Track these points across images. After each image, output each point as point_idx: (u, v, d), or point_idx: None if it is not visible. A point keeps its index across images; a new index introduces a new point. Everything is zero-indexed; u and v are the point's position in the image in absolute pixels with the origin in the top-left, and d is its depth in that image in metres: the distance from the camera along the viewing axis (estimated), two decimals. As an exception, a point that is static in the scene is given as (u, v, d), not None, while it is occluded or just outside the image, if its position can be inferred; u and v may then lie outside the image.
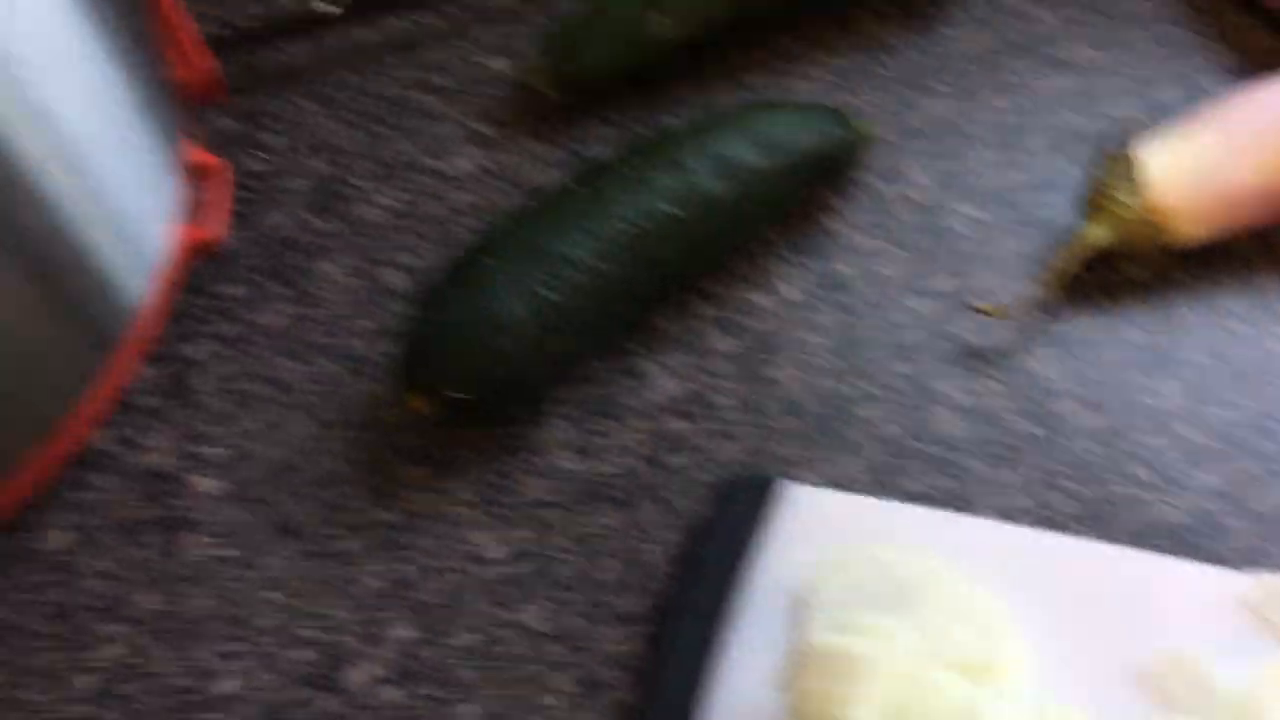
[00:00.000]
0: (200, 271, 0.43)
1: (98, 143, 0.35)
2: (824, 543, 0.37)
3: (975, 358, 0.42)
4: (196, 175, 0.41)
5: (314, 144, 0.46)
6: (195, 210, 0.41)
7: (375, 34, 0.49)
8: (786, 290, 0.43)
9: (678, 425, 0.41)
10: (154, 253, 0.39)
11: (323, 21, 0.47)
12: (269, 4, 0.49)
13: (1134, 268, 0.43)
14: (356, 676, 0.37)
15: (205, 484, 0.40)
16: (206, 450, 0.40)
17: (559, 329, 0.38)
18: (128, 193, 0.37)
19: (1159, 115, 0.45)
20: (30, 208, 0.33)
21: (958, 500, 0.39)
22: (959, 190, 0.45)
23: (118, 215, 0.36)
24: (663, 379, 0.41)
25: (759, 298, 0.43)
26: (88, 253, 0.35)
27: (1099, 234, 0.41)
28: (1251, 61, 0.47)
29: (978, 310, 0.41)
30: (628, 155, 0.41)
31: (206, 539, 0.39)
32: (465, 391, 0.38)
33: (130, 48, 0.36)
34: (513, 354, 0.37)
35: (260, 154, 0.46)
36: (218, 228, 0.41)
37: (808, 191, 0.43)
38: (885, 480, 0.40)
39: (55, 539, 0.39)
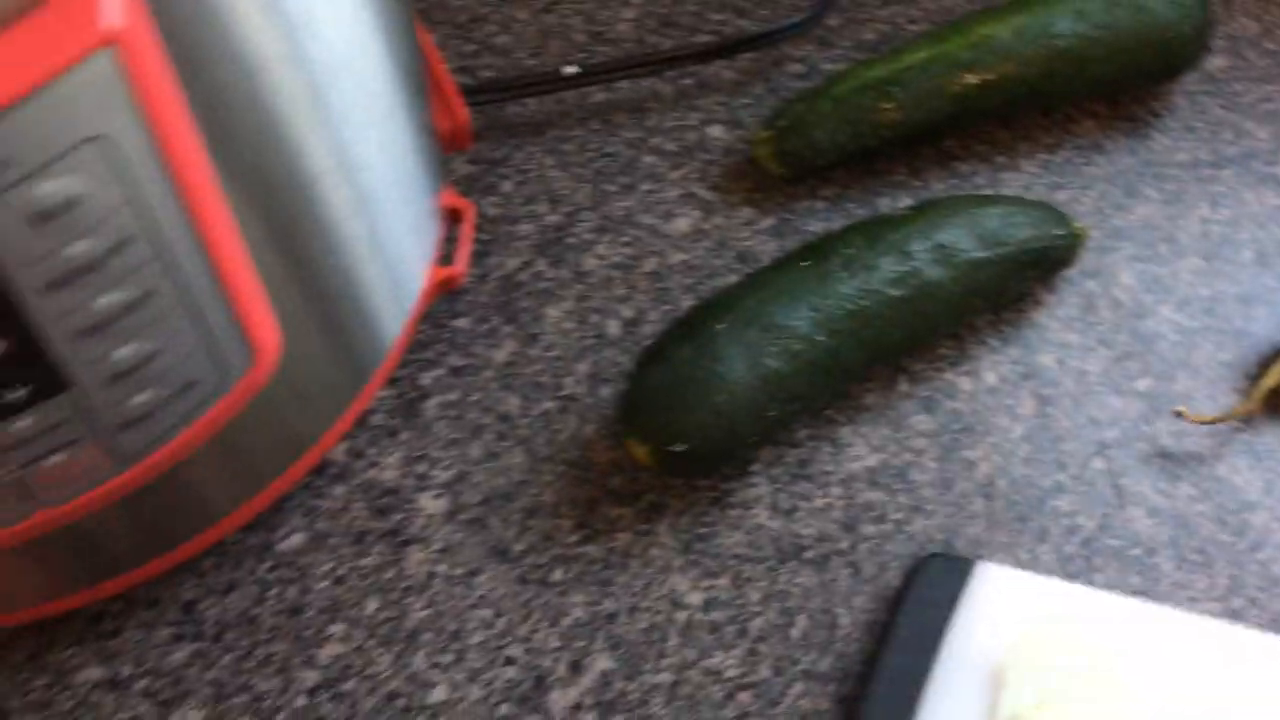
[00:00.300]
0: (436, 305, 0.46)
1: (387, 189, 0.38)
2: (1021, 622, 0.38)
3: (1172, 461, 0.43)
4: (449, 217, 0.45)
5: (545, 193, 0.49)
6: (444, 250, 0.45)
7: (607, 95, 0.52)
8: (988, 376, 0.45)
9: (873, 495, 0.43)
10: (413, 290, 0.42)
11: (559, 79, 0.50)
12: (510, 58, 0.53)
13: (1338, 388, 0.44)
14: (560, 700, 0.39)
15: (430, 503, 0.43)
16: (432, 471, 0.43)
17: (778, 395, 0.40)
18: (401, 234, 0.40)
19: (1371, 239, 0.46)
20: (330, 250, 0.36)
21: (1144, 599, 0.40)
22: (1164, 294, 0.46)
23: (391, 255, 0.39)
24: (862, 450, 0.43)
25: (961, 380, 0.44)
26: (363, 290, 0.38)
27: (1306, 352, 0.42)
28: None
29: (1178, 414, 0.42)
30: (849, 236, 0.43)
31: (427, 554, 0.42)
32: (684, 444, 0.40)
33: (413, 100, 0.40)
34: (734, 415, 0.40)
35: (496, 199, 0.49)
36: (461, 267, 0.44)
37: (1019, 283, 0.44)
38: (1073, 571, 0.41)
39: (291, 540, 0.42)
